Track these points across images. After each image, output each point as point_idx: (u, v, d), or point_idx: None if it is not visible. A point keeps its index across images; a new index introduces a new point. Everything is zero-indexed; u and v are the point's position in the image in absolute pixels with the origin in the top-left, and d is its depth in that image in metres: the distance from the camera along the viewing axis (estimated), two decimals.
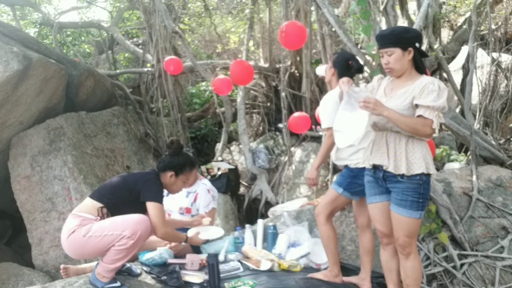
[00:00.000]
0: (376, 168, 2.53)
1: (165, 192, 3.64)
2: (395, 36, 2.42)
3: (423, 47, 4.96)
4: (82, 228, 2.47)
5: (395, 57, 2.42)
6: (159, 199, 2.61)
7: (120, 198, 2.59)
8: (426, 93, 2.32)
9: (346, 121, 2.47)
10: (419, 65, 2.49)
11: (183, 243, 2.84)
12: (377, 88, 2.63)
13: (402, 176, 2.40)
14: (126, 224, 2.45)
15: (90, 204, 2.58)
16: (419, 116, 2.33)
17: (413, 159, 2.39)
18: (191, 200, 3.54)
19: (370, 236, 2.97)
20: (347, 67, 2.97)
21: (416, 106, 2.35)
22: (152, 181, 2.65)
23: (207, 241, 3.17)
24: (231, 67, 4.88)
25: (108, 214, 2.56)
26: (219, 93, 6.24)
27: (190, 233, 3.06)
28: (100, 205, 2.56)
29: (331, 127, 2.84)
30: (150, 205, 2.56)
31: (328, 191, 3.03)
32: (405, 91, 2.42)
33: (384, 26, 5.06)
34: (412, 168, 2.38)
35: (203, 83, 9.62)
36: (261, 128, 8.01)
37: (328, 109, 2.96)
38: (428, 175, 2.43)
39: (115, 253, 2.46)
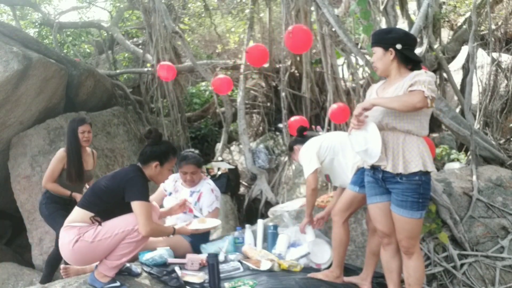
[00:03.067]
0: (375, 169, 2.54)
1: (168, 191, 3.66)
2: (377, 36, 2.56)
3: (423, 47, 4.96)
4: (86, 235, 2.46)
5: (376, 56, 2.54)
6: (142, 197, 2.53)
7: (109, 203, 2.56)
8: (413, 77, 2.37)
9: (362, 139, 2.50)
10: (409, 64, 2.52)
11: (171, 236, 2.80)
12: (370, 94, 2.71)
13: (401, 176, 2.40)
14: (136, 219, 2.48)
15: (81, 214, 2.55)
16: (410, 91, 2.34)
17: (410, 157, 2.39)
18: (195, 200, 3.53)
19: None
20: None
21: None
22: (134, 180, 2.56)
23: (196, 230, 2.96)
24: (248, 50, 4.93)
25: (101, 221, 2.54)
26: (219, 93, 6.24)
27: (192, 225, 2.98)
28: (91, 214, 2.53)
29: (316, 168, 3.22)
30: (134, 204, 2.50)
31: (344, 193, 3.01)
32: (395, 87, 2.46)
33: (384, 26, 5.07)
34: (409, 166, 2.38)
35: (203, 83, 9.61)
36: (261, 128, 8.01)
37: (311, 153, 3.26)
38: (427, 174, 2.42)
39: (123, 247, 2.47)
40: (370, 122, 2.45)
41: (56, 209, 3.60)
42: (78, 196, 3.60)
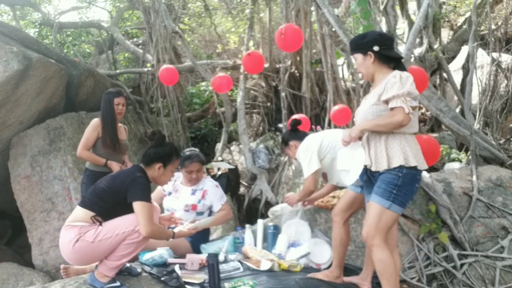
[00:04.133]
0: (365, 167, 2.58)
1: (167, 191, 3.66)
2: (353, 43, 2.63)
3: (423, 47, 4.96)
4: (86, 235, 2.46)
5: (357, 62, 2.60)
6: (144, 198, 2.54)
7: (110, 203, 2.56)
8: (390, 87, 2.40)
9: (349, 158, 2.54)
10: (391, 63, 2.55)
11: (171, 239, 2.81)
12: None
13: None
14: (136, 220, 2.49)
15: (82, 214, 2.55)
16: (390, 109, 2.40)
17: (392, 153, 2.44)
18: (199, 197, 3.54)
19: None
20: None
21: (386, 103, 2.42)
22: (137, 180, 2.57)
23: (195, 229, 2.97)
24: (243, 59, 4.94)
25: (102, 221, 2.53)
26: (219, 91, 6.23)
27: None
28: (93, 213, 2.53)
29: (317, 169, 3.17)
30: (136, 205, 2.51)
31: (345, 193, 3.02)
32: (376, 90, 2.51)
33: (384, 26, 5.07)
34: (392, 162, 2.43)
35: (203, 83, 9.62)
36: (261, 128, 8.00)
37: (312, 152, 3.21)
38: (410, 169, 2.42)
39: (124, 248, 2.48)
40: (360, 146, 2.53)
41: None
42: (113, 164, 3.58)
